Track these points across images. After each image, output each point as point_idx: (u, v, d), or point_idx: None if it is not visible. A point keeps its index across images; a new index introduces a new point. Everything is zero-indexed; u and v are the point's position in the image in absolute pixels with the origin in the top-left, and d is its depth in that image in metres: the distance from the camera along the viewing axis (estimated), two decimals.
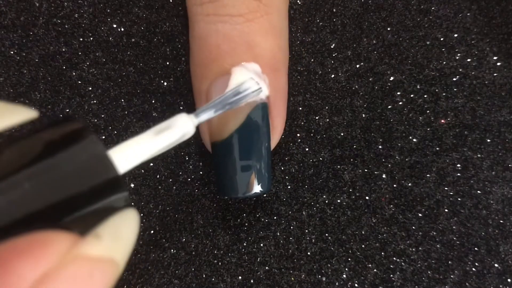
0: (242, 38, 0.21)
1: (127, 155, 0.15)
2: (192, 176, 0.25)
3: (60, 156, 0.13)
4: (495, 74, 0.26)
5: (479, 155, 0.26)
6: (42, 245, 0.12)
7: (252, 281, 0.25)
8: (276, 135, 0.23)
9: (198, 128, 0.25)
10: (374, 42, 0.26)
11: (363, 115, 0.26)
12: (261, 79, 0.21)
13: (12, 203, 0.12)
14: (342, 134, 0.26)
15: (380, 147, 0.26)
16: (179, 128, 0.17)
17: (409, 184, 0.25)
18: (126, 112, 0.26)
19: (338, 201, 0.25)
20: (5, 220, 0.12)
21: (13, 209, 0.12)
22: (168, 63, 0.26)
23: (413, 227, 0.25)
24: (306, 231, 0.25)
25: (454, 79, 0.26)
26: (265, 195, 0.25)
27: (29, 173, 0.12)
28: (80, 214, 0.13)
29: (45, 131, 0.13)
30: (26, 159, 0.12)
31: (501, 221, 0.25)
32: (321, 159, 0.26)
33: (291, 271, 0.25)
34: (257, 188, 0.22)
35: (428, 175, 0.25)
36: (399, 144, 0.26)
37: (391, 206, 0.25)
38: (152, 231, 0.25)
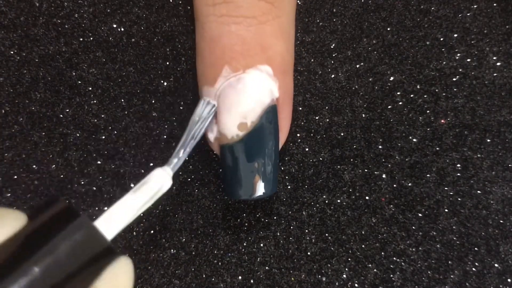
0: (256, 40, 0.21)
1: (113, 221, 0.17)
2: (192, 176, 0.25)
3: (58, 238, 0.15)
4: (495, 74, 0.26)
5: (479, 155, 0.26)
6: None
7: (252, 281, 0.25)
8: (283, 137, 0.23)
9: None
10: (374, 42, 0.26)
11: (363, 115, 0.26)
12: (273, 81, 0.21)
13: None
14: (342, 134, 0.26)
15: (380, 147, 0.26)
16: (155, 182, 0.19)
17: (409, 184, 0.25)
18: (126, 112, 0.26)
19: (338, 201, 0.25)
20: None
21: None
22: (168, 63, 0.26)
23: (413, 227, 0.25)
24: (306, 231, 0.25)
25: (454, 79, 0.26)
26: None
27: (36, 259, 0.14)
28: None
29: (39, 217, 0.15)
30: (29, 246, 0.14)
31: (501, 221, 0.25)
32: (321, 159, 0.26)
33: (291, 271, 0.25)
34: (264, 190, 0.22)
35: (428, 175, 0.25)
36: (399, 144, 0.26)
37: (391, 206, 0.25)
38: (152, 231, 0.25)
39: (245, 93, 0.21)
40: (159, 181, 0.19)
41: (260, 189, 0.22)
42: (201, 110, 0.21)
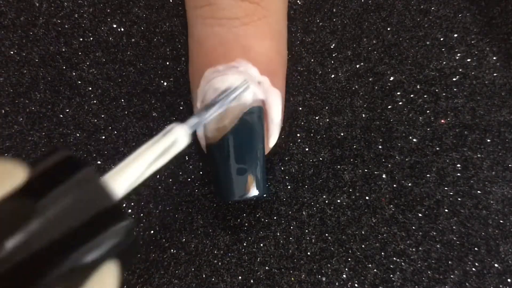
0: (238, 41, 0.21)
1: (125, 175, 0.15)
2: (192, 176, 0.25)
3: (59, 190, 0.13)
4: (495, 74, 0.26)
5: (479, 155, 0.26)
6: None
7: (252, 281, 0.25)
8: (271, 139, 0.23)
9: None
10: (374, 42, 0.26)
11: (363, 115, 0.26)
12: (255, 82, 0.21)
13: (21, 244, 0.12)
14: (342, 134, 0.26)
15: (380, 147, 0.26)
16: (170, 133, 0.17)
17: (409, 184, 0.25)
18: (126, 112, 0.26)
19: (338, 201, 0.25)
20: (16, 259, 0.12)
21: (22, 249, 0.12)
22: (168, 63, 0.26)
23: (413, 227, 0.25)
24: (306, 231, 0.25)
25: (454, 79, 0.26)
26: (264, 195, 0.25)
27: (35, 209, 0.13)
28: (64, 271, 0.13)
29: (38, 167, 0.13)
30: (27, 199, 0.13)
31: (501, 221, 0.25)
32: (321, 159, 0.26)
33: (291, 271, 0.25)
34: (253, 192, 0.22)
35: (428, 175, 0.25)
36: (399, 144, 0.26)
37: (391, 206, 0.25)
38: (152, 231, 0.25)
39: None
40: (173, 135, 0.17)
41: (250, 190, 0.22)
42: (236, 84, 0.21)
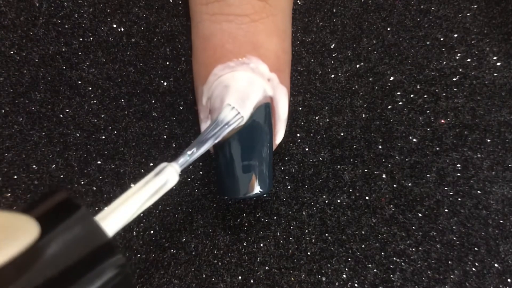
0: (247, 38, 0.21)
1: (114, 216, 0.16)
2: (192, 176, 0.25)
3: (55, 232, 0.14)
4: (495, 74, 0.26)
5: (479, 155, 0.26)
6: None
7: (252, 281, 0.25)
8: (278, 136, 0.23)
9: (198, 128, 0.25)
10: (374, 42, 0.26)
11: (363, 115, 0.26)
12: (265, 79, 0.21)
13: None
14: (342, 134, 0.26)
15: (380, 147, 0.26)
16: (160, 175, 0.18)
17: (409, 184, 0.25)
18: (126, 112, 0.26)
19: (338, 201, 0.25)
20: None
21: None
22: (168, 63, 0.26)
23: (413, 227, 0.25)
24: (306, 231, 0.25)
25: (454, 79, 0.26)
26: (265, 195, 0.25)
27: (36, 250, 0.13)
28: None
29: (38, 208, 0.14)
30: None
31: (501, 221, 0.25)
32: (321, 159, 0.26)
33: (291, 271, 0.25)
34: (257, 189, 0.22)
35: (428, 175, 0.25)
36: (399, 144, 0.26)
37: (391, 206, 0.25)
38: (152, 231, 0.25)
39: (235, 91, 0.21)
40: (164, 175, 0.18)
41: (255, 187, 0.21)
42: (224, 114, 0.21)
